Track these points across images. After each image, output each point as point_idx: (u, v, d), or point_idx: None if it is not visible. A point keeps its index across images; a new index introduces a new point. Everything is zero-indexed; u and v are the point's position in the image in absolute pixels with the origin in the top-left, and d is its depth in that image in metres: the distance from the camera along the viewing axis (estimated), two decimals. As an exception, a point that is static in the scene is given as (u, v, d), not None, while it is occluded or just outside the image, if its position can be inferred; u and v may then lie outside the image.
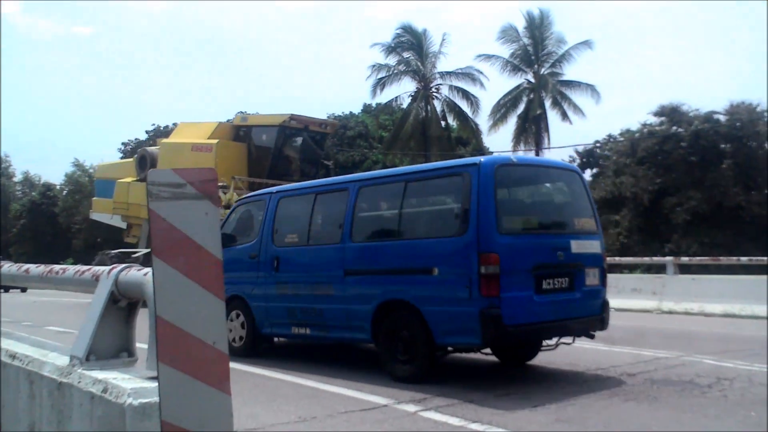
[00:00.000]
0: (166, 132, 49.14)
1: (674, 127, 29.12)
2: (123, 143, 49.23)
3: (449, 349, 7.01)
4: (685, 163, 27.74)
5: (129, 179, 20.74)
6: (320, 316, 7.82)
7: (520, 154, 36.54)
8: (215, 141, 18.28)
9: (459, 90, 40.73)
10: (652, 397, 6.18)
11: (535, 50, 38.36)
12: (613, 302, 15.57)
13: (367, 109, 51.47)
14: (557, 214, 7.70)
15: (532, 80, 38.46)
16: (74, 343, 2.62)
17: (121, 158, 48.09)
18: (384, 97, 44.63)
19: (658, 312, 14.68)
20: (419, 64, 42.13)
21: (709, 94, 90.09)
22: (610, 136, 34.74)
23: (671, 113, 29.69)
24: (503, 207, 6.64)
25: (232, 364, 6.76)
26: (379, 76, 41.77)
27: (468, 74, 40.05)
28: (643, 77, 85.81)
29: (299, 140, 19.50)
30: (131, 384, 2.14)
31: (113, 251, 21.14)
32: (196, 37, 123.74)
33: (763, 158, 27.46)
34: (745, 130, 27.75)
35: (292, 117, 18.70)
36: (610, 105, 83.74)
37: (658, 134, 29.29)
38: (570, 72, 38.68)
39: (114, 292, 2.48)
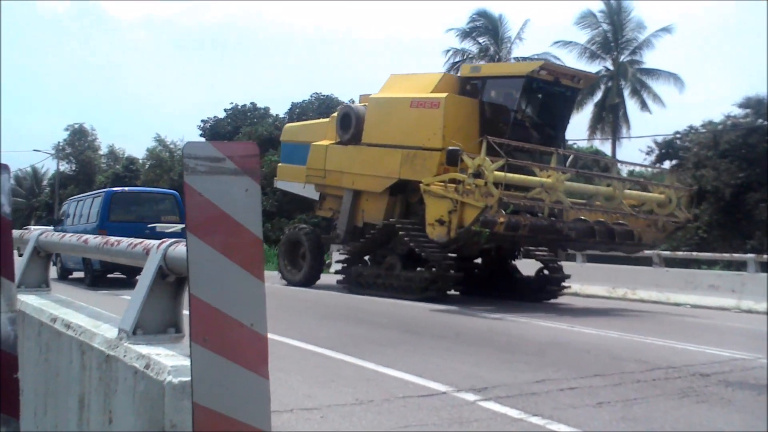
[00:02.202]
0: (243, 111, 49.52)
1: (760, 120, 27.80)
2: (202, 120, 50.15)
3: None
4: (770, 157, 26.44)
5: (326, 142, 17.74)
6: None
7: (595, 143, 35.46)
8: (444, 95, 14.84)
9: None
10: (725, 400, 5.87)
11: (614, 36, 37.29)
12: (689, 298, 15.17)
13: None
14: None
15: (611, 67, 37.40)
16: (123, 316, 2.60)
17: (201, 135, 48.60)
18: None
19: (737, 310, 14.08)
20: (495, 49, 41.45)
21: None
22: (691, 127, 33.45)
23: (757, 105, 28.34)
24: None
25: (295, 343, 6.72)
26: (455, 60, 41.32)
27: (545, 60, 39.19)
28: (728, 67, 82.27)
29: (540, 97, 15.60)
30: (173, 361, 2.09)
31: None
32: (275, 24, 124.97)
33: None
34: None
35: (544, 66, 15.31)
36: (691, 95, 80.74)
37: (742, 126, 28.04)
38: (650, 60, 37.56)
39: (162, 266, 2.44)
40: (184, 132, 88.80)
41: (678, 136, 34.38)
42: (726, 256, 19.26)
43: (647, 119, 65.33)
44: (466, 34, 41.69)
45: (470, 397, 5.65)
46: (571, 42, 37.97)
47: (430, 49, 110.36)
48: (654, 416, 5.24)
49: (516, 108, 14.84)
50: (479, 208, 12.33)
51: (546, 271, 15.38)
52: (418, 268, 14.53)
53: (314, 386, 6.00)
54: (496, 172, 12.39)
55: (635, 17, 37.47)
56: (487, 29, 41.79)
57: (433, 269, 13.79)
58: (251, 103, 50.05)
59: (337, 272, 16.60)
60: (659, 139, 34.69)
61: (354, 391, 5.82)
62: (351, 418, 5.07)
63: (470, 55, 41.55)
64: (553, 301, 15.28)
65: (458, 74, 16.05)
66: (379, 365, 6.90)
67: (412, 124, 15.05)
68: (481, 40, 41.93)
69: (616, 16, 37.19)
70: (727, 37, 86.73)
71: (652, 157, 32.03)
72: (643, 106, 36.76)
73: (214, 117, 50.31)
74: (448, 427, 4.86)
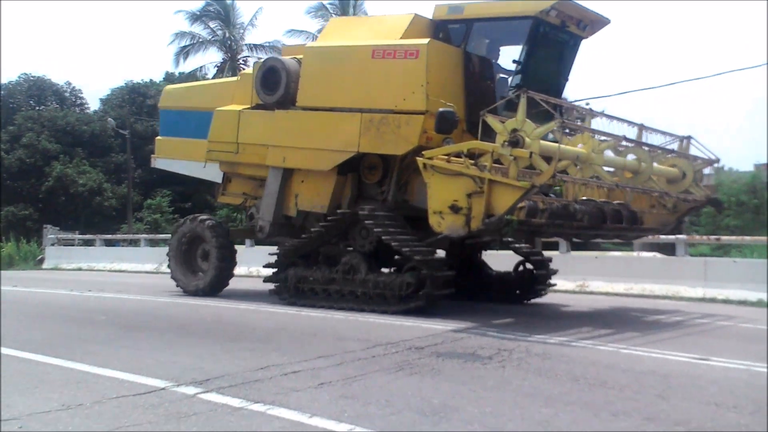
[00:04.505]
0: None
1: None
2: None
3: None
4: None
5: (237, 106, 13.58)
6: None
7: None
8: (425, 41, 11.07)
9: (269, 63, 40.03)
10: (435, 370, 6.28)
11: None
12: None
13: (169, 77, 49.22)
14: None
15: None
16: None
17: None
18: (188, 66, 43.02)
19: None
20: (227, 34, 40.99)
21: None
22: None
23: None
24: None
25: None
26: (183, 44, 40.14)
27: (276, 48, 39.56)
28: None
29: (543, 47, 11.65)
30: None
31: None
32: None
33: None
34: None
35: (555, 5, 11.07)
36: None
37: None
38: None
39: None
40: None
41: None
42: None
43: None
44: (195, 18, 40.63)
45: (190, 390, 5.44)
46: (303, 31, 38.71)
47: (158, 28, 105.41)
48: (371, 392, 5.44)
49: (525, 60, 11.34)
50: (522, 189, 9.07)
51: (527, 265, 12.52)
52: (385, 270, 11.08)
53: (13, 395, 5.39)
54: (543, 142, 9.34)
55: (363, 8, 39.28)
56: (218, 14, 41.11)
57: (421, 271, 10.33)
58: None
59: (266, 279, 12.37)
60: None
61: (60, 396, 5.33)
62: (56, 425, 4.65)
63: (200, 39, 40.59)
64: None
65: (433, 17, 11.90)
66: (92, 366, 6.41)
67: (377, 80, 11.38)
68: (212, 24, 41.15)
69: (350, 8, 38.64)
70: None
71: None
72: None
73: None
74: (164, 425, 4.62)
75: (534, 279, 12.42)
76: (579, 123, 10.53)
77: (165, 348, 7.50)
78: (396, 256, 10.64)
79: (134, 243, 26.51)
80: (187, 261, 13.86)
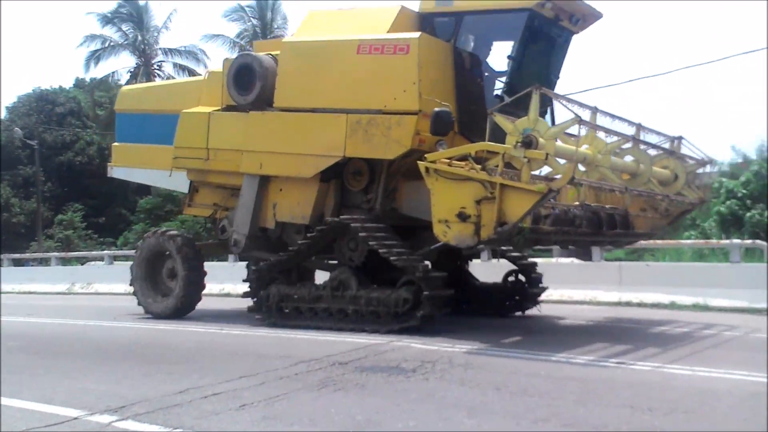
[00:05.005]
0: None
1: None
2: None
3: None
4: None
5: (206, 108, 12.45)
6: None
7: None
8: (416, 35, 10.32)
9: (185, 69, 39.47)
10: (360, 385, 6.25)
11: (263, 31, 38.43)
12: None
13: (80, 84, 47.70)
14: None
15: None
16: None
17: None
18: (99, 71, 41.86)
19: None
20: (139, 37, 40.13)
21: None
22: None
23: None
24: None
25: None
26: (94, 48, 39.05)
27: (192, 52, 39.02)
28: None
29: (536, 42, 11.08)
30: None
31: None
32: None
33: None
34: None
35: None
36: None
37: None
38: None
39: None
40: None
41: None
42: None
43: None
44: (107, 20, 39.57)
45: (105, 419, 5.24)
46: (220, 35, 38.23)
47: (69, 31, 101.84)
48: (294, 411, 5.37)
49: (516, 58, 10.71)
50: (538, 194, 8.40)
51: (518, 276, 11.93)
52: (375, 288, 10.01)
53: None
54: (560, 143, 8.78)
55: (281, 13, 39.24)
56: (131, 16, 40.19)
57: (418, 287, 9.51)
58: None
59: (245, 294, 11.41)
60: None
61: (-36, 432, 5.03)
62: (-41, 464, 4.37)
63: (111, 43, 39.53)
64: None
65: (420, 10, 11.13)
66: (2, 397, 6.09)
67: (363, 77, 10.54)
68: (124, 27, 40.19)
69: (267, 12, 38.41)
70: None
71: None
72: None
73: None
74: (77, 457, 4.42)
75: (526, 290, 11.85)
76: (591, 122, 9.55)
77: (80, 374, 7.21)
78: (391, 271, 9.83)
79: (45, 262, 25.49)
80: (152, 280, 12.67)
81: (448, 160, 9.08)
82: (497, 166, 8.68)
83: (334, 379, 6.52)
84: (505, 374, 6.67)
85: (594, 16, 11.41)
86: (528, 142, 8.32)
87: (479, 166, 8.85)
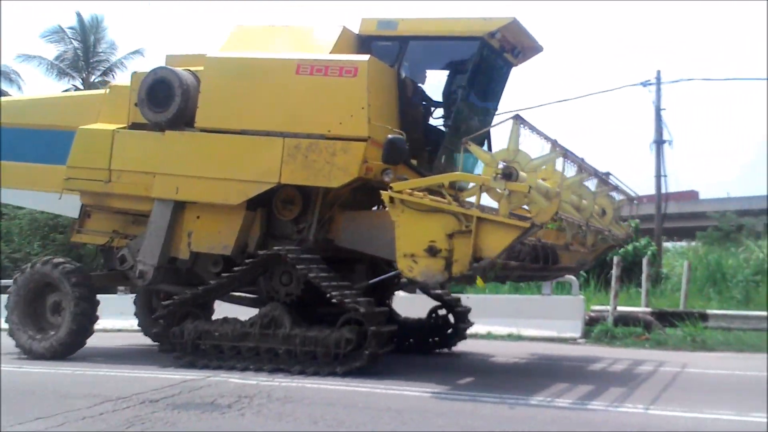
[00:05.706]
0: None
1: None
2: None
3: None
4: None
5: (110, 126, 11.08)
6: None
7: None
8: (365, 58, 9.66)
9: (-6, 90, 36.53)
10: (170, 423, 5.94)
11: (85, 55, 36.46)
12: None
13: None
14: None
15: (81, 87, 36.37)
16: None
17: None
18: None
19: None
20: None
21: None
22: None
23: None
24: None
25: None
26: None
27: (5, 73, 36.22)
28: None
29: (481, 72, 10.70)
30: None
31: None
32: None
33: None
34: None
35: (505, 27, 10.09)
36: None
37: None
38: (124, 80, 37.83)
39: None
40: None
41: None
42: None
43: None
44: None
45: None
46: (38, 56, 35.78)
47: None
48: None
49: (466, 87, 10.30)
50: (519, 228, 7.97)
51: (442, 311, 11.47)
52: (312, 326, 9.17)
53: None
54: (548, 181, 8.41)
55: (108, 38, 37.41)
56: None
57: (361, 325, 8.79)
58: None
59: (155, 334, 10.43)
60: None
61: None
62: None
63: None
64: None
65: (359, 32, 10.53)
66: None
67: (303, 99, 9.74)
68: None
69: (90, 35, 36.45)
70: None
71: None
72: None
73: None
74: None
75: (451, 325, 11.46)
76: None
77: None
78: (325, 306, 9.23)
79: None
80: (32, 315, 10.88)
81: (411, 191, 8.52)
82: (473, 197, 8.29)
83: (143, 418, 6.15)
84: (322, 407, 6.62)
85: (535, 49, 11.19)
86: (508, 174, 7.91)
87: (450, 197, 8.36)
